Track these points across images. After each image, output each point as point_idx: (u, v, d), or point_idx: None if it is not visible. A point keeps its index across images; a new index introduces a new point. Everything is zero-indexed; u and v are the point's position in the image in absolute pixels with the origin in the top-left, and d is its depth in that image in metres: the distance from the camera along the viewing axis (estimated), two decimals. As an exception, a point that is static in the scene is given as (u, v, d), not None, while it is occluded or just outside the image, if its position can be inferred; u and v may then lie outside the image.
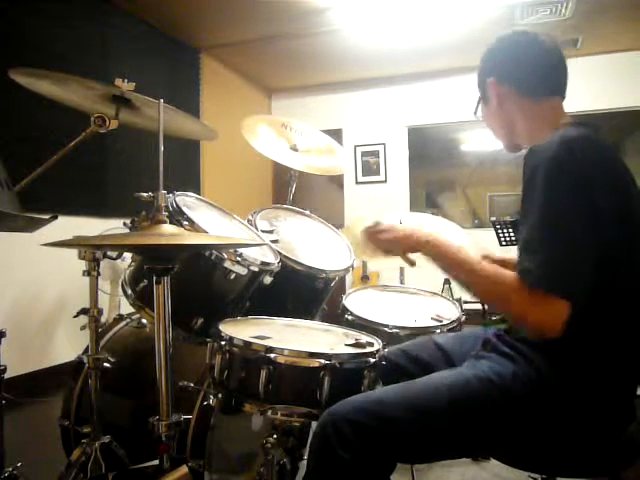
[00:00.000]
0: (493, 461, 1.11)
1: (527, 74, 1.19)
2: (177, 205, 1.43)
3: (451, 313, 1.85)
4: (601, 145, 1.03)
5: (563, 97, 1.19)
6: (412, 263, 1.23)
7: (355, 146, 5.99)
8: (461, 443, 1.03)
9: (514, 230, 4.42)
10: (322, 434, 0.97)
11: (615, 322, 1.01)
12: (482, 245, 1.51)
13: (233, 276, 1.43)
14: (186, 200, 1.56)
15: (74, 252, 1.58)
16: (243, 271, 1.44)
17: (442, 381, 1.05)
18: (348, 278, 4.91)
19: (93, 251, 1.54)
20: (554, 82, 1.18)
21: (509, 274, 0.98)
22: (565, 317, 0.92)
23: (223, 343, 1.16)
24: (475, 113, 1.35)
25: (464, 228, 2.51)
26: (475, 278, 1.04)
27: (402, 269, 4.49)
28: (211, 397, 1.22)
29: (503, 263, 1.41)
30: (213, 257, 1.39)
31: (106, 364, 1.59)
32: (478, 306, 4.58)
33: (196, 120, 1.80)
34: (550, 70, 1.18)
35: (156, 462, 1.22)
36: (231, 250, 1.40)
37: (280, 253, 1.60)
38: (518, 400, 1.01)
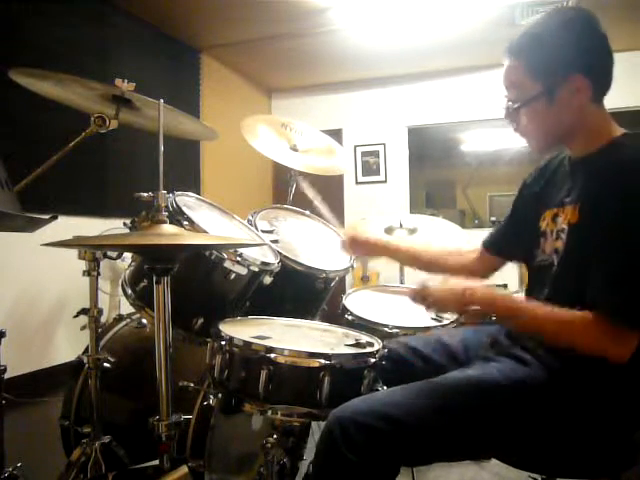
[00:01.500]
0: (493, 461, 1.11)
1: (606, 74, 1.05)
2: (177, 205, 1.43)
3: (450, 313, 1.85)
4: None
5: None
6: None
7: (355, 146, 5.98)
8: (468, 445, 1.02)
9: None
10: (329, 435, 0.96)
11: None
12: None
13: (233, 276, 1.43)
14: (186, 200, 1.56)
15: (74, 252, 1.58)
16: (243, 271, 1.44)
17: (450, 384, 1.04)
18: (348, 278, 4.90)
19: (93, 251, 1.54)
20: (610, 85, 1.07)
21: (574, 313, 0.97)
22: (636, 342, 0.94)
23: (223, 343, 1.16)
24: (506, 117, 1.12)
25: (464, 228, 2.51)
26: (540, 324, 1.01)
27: (402, 269, 4.47)
28: (211, 397, 1.22)
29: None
30: (213, 257, 1.39)
31: (106, 364, 1.59)
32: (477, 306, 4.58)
33: (196, 120, 1.80)
34: (612, 72, 1.07)
35: (156, 462, 1.22)
36: (231, 250, 1.40)
37: (280, 253, 1.60)
38: (526, 402, 1.01)
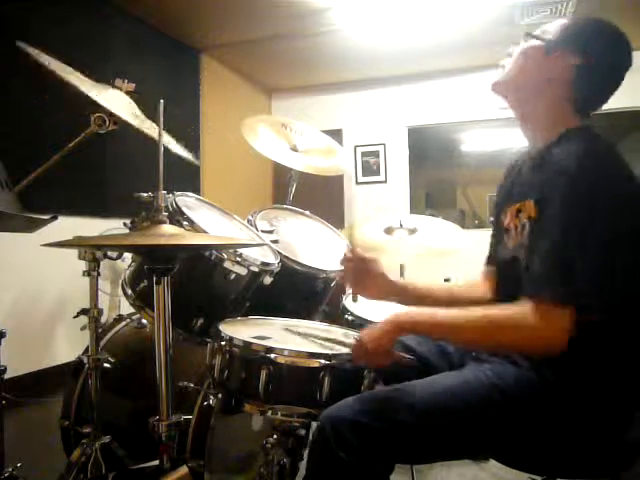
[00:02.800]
0: (493, 461, 1.11)
1: (594, 102, 1.11)
2: (177, 205, 1.43)
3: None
4: (620, 159, 1.02)
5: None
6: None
7: (355, 146, 5.98)
8: (462, 444, 1.03)
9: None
10: (321, 436, 0.97)
11: (619, 327, 1.01)
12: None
13: (233, 276, 1.43)
14: (186, 200, 1.56)
15: (74, 252, 1.58)
16: (243, 271, 1.44)
17: (446, 383, 1.05)
18: (348, 278, 4.91)
19: (93, 251, 1.54)
20: (597, 108, 1.12)
21: (509, 307, 0.97)
22: (569, 326, 0.92)
23: (223, 343, 1.16)
24: (526, 38, 1.14)
25: (464, 229, 2.51)
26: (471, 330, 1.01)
27: (402, 269, 4.47)
28: (211, 397, 1.22)
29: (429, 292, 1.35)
30: (213, 257, 1.39)
31: (106, 364, 1.59)
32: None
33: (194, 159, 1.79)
34: (606, 99, 1.11)
35: (156, 462, 1.22)
36: (231, 250, 1.40)
37: (280, 253, 1.60)
38: (520, 402, 1.01)
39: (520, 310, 0.96)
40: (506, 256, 1.15)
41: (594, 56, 1.07)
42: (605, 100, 1.11)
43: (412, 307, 1.10)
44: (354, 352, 1.08)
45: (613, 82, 1.10)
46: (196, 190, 4.67)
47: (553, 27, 1.12)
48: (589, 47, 1.07)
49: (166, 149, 1.27)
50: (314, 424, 1.05)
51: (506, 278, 1.15)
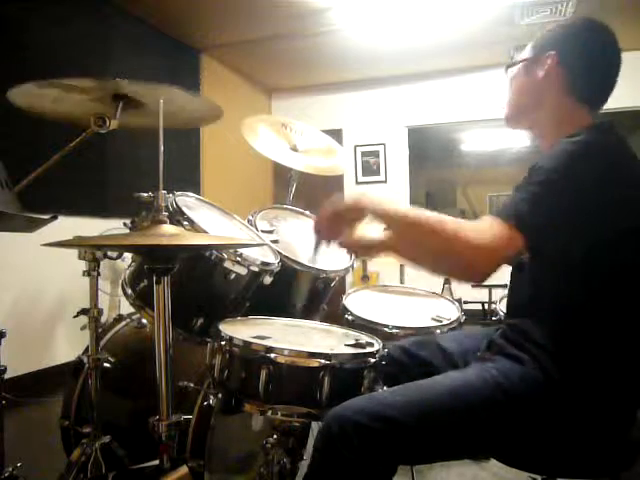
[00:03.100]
0: (493, 461, 1.11)
1: (591, 82, 1.12)
2: (177, 205, 1.43)
3: (451, 313, 1.85)
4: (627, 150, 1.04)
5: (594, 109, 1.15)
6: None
7: (355, 146, 5.99)
8: (465, 444, 1.03)
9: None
10: (326, 434, 0.97)
11: (625, 326, 1.01)
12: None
13: (233, 276, 1.43)
14: (186, 200, 1.56)
15: (74, 252, 1.58)
16: (243, 271, 1.44)
17: (448, 383, 1.05)
18: (348, 278, 4.91)
19: (93, 251, 1.54)
20: (604, 99, 1.13)
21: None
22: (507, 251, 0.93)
23: (223, 343, 1.16)
24: (506, 69, 1.21)
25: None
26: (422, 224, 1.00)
27: (402, 269, 4.48)
28: (211, 397, 1.22)
29: None
30: (213, 257, 1.39)
31: (106, 364, 1.59)
32: (478, 306, 4.58)
33: (197, 96, 1.76)
34: (611, 87, 1.12)
35: (156, 462, 1.22)
36: (231, 250, 1.40)
37: (280, 253, 1.60)
38: (524, 402, 1.01)
39: (476, 222, 0.97)
40: (521, 258, 1.15)
41: (570, 48, 1.11)
42: (605, 86, 1.12)
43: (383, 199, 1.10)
44: (316, 218, 1.16)
45: (603, 66, 1.12)
46: (196, 190, 4.67)
47: (526, 49, 1.18)
48: (563, 43, 1.11)
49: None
50: (314, 424, 1.05)
51: (521, 280, 1.15)
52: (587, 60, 1.11)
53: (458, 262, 0.96)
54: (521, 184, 1.00)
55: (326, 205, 1.13)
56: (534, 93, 1.15)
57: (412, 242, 1.04)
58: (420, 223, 1.00)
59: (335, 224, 1.14)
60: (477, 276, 0.95)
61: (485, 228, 0.95)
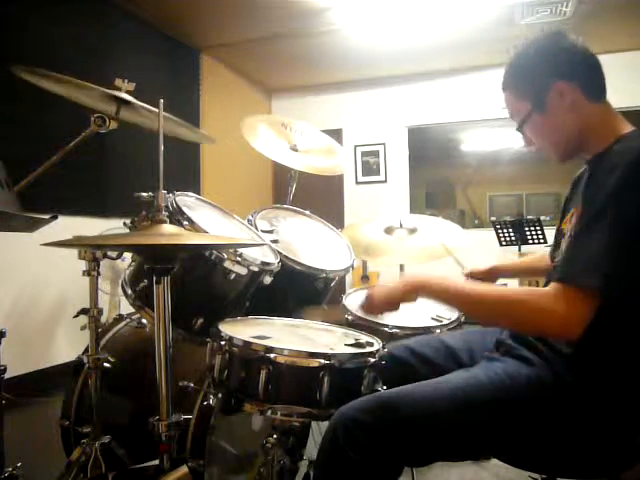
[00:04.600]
0: (493, 461, 1.11)
1: (591, 74, 1.10)
2: (177, 205, 1.43)
3: (451, 313, 1.85)
4: None
5: None
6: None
7: (355, 146, 5.99)
8: (470, 445, 1.03)
9: (514, 230, 4.42)
10: (332, 434, 0.97)
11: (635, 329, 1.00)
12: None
13: (233, 276, 1.43)
14: (186, 200, 1.56)
15: (74, 252, 1.57)
16: (243, 271, 1.44)
17: (454, 383, 1.04)
18: (348, 278, 4.91)
19: (93, 251, 1.54)
20: (604, 84, 1.11)
21: (531, 289, 0.98)
22: (590, 316, 0.91)
23: (223, 343, 1.16)
24: (518, 129, 1.16)
25: (464, 229, 2.51)
26: (493, 305, 1.01)
27: (402, 269, 4.49)
28: (211, 397, 1.22)
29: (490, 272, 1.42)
30: (213, 257, 1.39)
31: (106, 364, 1.59)
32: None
33: (194, 128, 1.80)
34: (601, 72, 1.11)
35: (156, 462, 1.22)
36: (231, 250, 1.40)
37: (280, 253, 1.60)
38: (529, 402, 1.01)
39: (544, 293, 0.95)
40: (558, 260, 1.16)
41: (561, 62, 1.09)
42: (600, 73, 1.11)
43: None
44: (365, 303, 1.16)
45: (588, 59, 1.10)
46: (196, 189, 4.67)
47: (513, 102, 1.15)
48: (559, 69, 1.08)
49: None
50: (314, 424, 1.05)
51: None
52: (579, 59, 1.10)
53: (544, 335, 1.00)
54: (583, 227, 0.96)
55: (376, 291, 1.15)
56: (564, 120, 1.10)
57: (483, 317, 1.07)
58: (487, 307, 1.02)
59: (388, 307, 1.16)
60: (566, 337, 0.96)
61: (547, 304, 0.94)
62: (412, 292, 1.11)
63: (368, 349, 1.17)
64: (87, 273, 1.57)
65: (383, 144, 5.94)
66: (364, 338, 1.27)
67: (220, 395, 1.16)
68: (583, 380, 1.00)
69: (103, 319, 1.65)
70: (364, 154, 5.99)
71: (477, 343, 1.27)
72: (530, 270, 1.54)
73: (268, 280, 1.52)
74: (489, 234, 4.46)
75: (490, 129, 6.15)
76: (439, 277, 1.07)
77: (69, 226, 1.96)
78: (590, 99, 1.08)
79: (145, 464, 1.64)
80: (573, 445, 1.01)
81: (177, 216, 1.40)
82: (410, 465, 1.06)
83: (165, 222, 1.21)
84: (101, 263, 1.58)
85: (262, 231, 1.72)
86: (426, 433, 0.98)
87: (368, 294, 1.16)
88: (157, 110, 1.31)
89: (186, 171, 4.69)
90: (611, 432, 1.01)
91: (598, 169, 1.02)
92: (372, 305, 1.16)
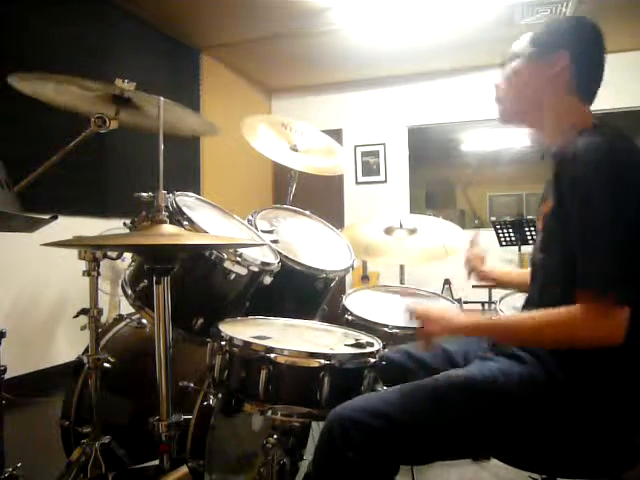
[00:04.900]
0: (493, 461, 1.11)
1: (593, 78, 1.11)
2: (177, 205, 1.43)
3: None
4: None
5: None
6: None
7: (355, 146, 5.98)
8: (466, 443, 1.03)
9: (514, 230, 4.43)
10: (328, 434, 0.97)
11: (636, 330, 1.00)
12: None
13: (233, 276, 1.43)
14: (186, 200, 1.56)
15: (74, 252, 1.58)
16: (243, 271, 1.44)
17: (449, 382, 1.05)
18: (348, 278, 4.91)
19: (93, 251, 1.54)
20: (596, 92, 1.13)
21: (559, 310, 0.96)
22: (626, 316, 0.92)
23: (223, 343, 1.16)
24: (508, 62, 1.17)
25: (464, 229, 2.51)
26: (529, 333, 1.01)
27: (402, 269, 4.48)
28: (211, 397, 1.22)
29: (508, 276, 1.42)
30: (213, 257, 1.39)
31: (106, 364, 1.59)
32: (478, 306, 4.58)
33: (196, 114, 1.79)
34: (600, 84, 1.12)
35: (156, 462, 1.22)
36: (231, 250, 1.40)
37: (280, 253, 1.60)
38: (523, 401, 1.01)
39: (575, 310, 0.95)
40: (534, 256, 1.17)
41: (583, 49, 1.10)
42: (600, 83, 1.12)
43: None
44: (421, 332, 1.12)
45: (602, 65, 1.12)
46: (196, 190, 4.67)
47: (523, 42, 1.16)
48: (575, 43, 1.10)
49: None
50: (314, 424, 1.05)
51: (534, 277, 1.17)
52: (596, 60, 1.11)
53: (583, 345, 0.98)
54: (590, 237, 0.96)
55: (435, 325, 1.10)
56: (538, 92, 1.13)
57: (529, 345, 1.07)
58: (535, 339, 1.02)
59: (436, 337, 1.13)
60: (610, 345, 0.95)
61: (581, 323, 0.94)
62: (457, 331, 1.09)
63: (368, 349, 1.17)
64: (87, 273, 1.57)
65: (383, 144, 5.94)
66: (364, 338, 1.27)
67: (220, 395, 1.16)
68: (575, 378, 1.00)
69: (103, 319, 1.65)
70: (364, 154, 5.99)
71: (472, 345, 1.28)
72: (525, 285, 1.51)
73: (268, 280, 1.52)
74: (489, 234, 4.47)
75: (490, 129, 6.15)
76: (477, 316, 1.07)
77: (69, 226, 1.96)
78: (575, 91, 1.10)
79: (145, 464, 1.64)
80: (568, 444, 1.01)
81: (177, 216, 1.40)
82: (408, 463, 1.06)
83: (165, 222, 1.21)
84: (101, 263, 1.58)
85: (262, 231, 1.72)
86: (421, 431, 0.99)
87: (429, 319, 1.11)
88: (158, 98, 1.31)
89: (186, 171, 4.69)
90: (606, 430, 1.01)
91: (565, 165, 1.03)
92: (427, 333, 1.11)
